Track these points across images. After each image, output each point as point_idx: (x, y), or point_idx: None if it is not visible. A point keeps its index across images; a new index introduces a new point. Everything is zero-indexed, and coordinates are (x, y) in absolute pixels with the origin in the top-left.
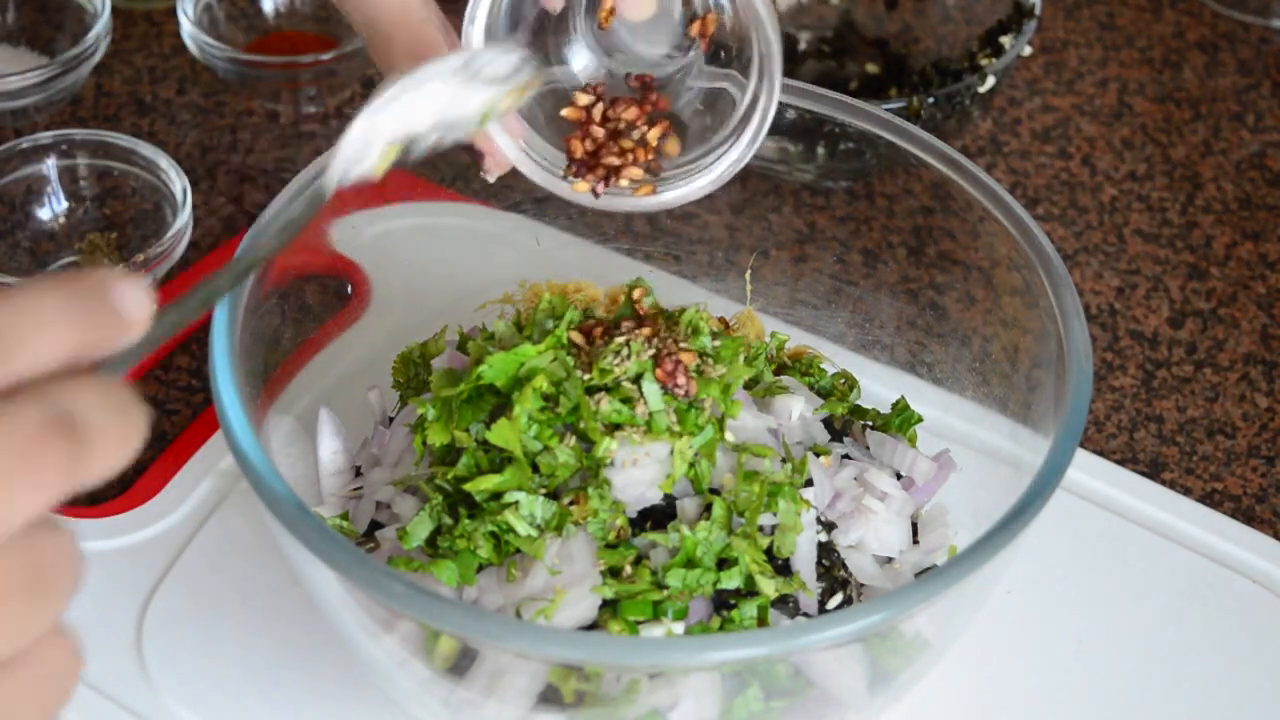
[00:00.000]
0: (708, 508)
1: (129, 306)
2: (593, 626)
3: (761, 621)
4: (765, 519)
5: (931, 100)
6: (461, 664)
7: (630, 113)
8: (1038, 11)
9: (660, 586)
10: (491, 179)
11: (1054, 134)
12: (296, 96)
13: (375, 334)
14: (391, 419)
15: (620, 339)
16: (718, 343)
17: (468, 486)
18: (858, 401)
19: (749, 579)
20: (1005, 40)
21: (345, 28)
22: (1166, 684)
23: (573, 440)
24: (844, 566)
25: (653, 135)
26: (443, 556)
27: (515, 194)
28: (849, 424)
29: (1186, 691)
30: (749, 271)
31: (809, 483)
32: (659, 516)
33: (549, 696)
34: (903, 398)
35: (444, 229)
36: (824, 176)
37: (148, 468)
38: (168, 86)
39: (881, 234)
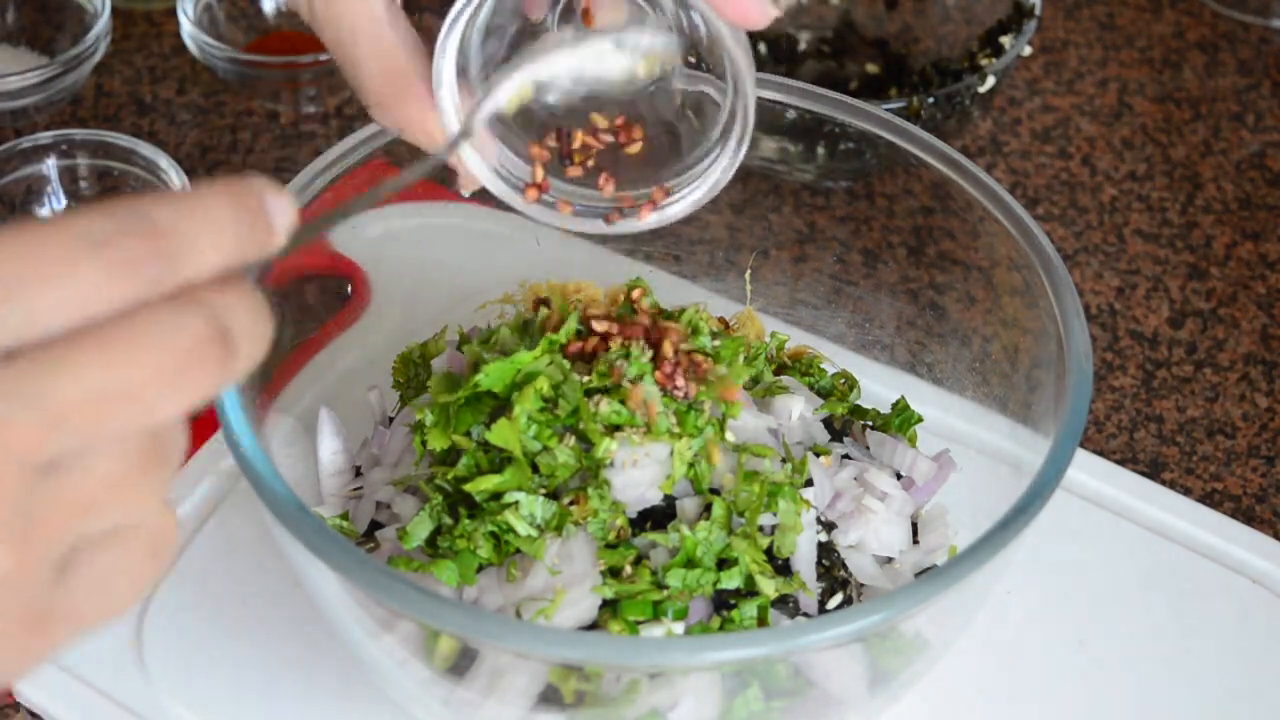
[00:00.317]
0: (707, 508)
1: (279, 217)
2: (593, 626)
3: (761, 621)
4: (765, 519)
5: (931, 100)
6: (461, 664)
7: (595, 139)
8: (1038, 11)
9: (660, 586)
10: (465, 194)
11: (1054, 134)
12: (296, 96)
13: (375, 334)
14: (391, 419)
15: (618, 347)
16: (717, 342)
17: (468, 487)
18: (858, 401)
19: (749, 579)
20: (1005, 40)
21: None
22: (1166, 684)
23: (572, 441)
24: (844, 566)
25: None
26: (443, 556)
27: None
28: (849, 424)
29: (1186, 691)
30: (749, 271)
31: (809, 483)
32: (659, 517)
33: (549, 696)
34: (903, 398)
35: (444, 229)
36: (824, 176)
37: None
38: (168, 86)
39: (881, 234)
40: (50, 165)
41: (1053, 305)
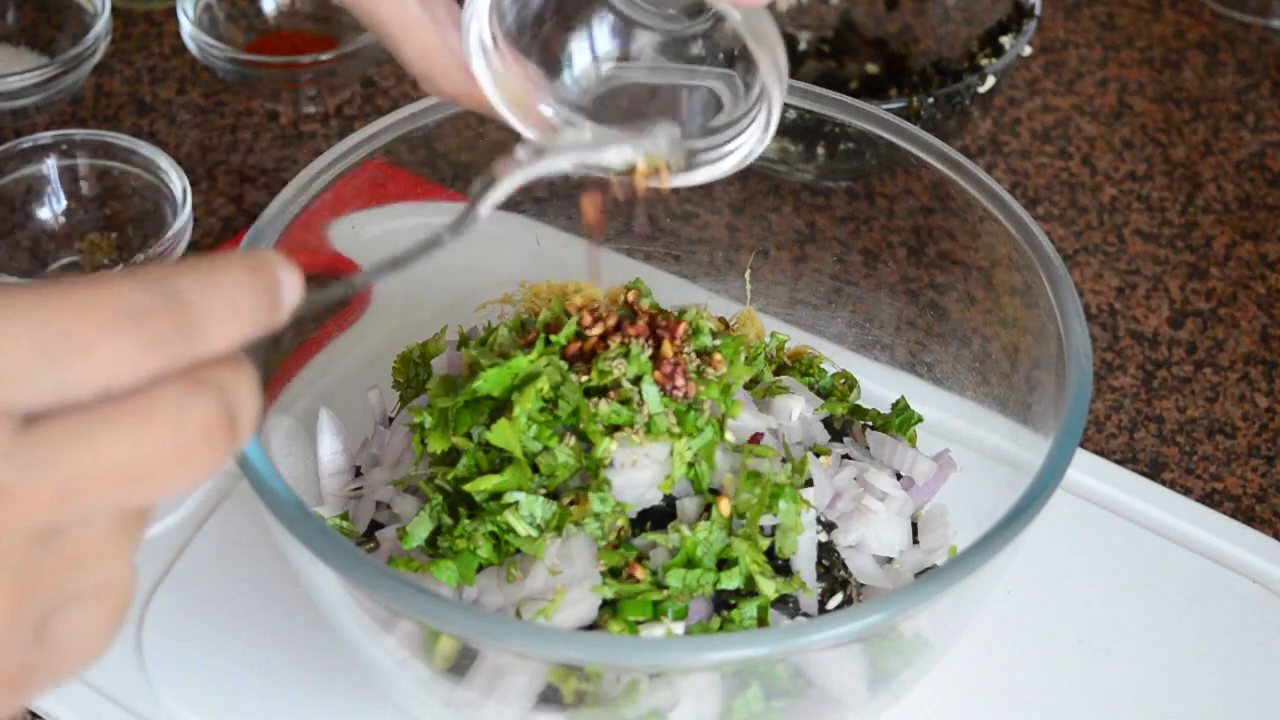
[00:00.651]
0: (707, 508)
1: (287, 293)
2: (593, 626)
3: (761, 621)
4: (765, 519)
5: (931, 100)
6: (461, 664)
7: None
8: (1038, 11)
9: (660, 586)
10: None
11: (1054, 134)
12: (296, 96)
13: (375, 334)
14: (391, 419)
15: (616, 347)
16: (718, 342)
17: (467, 487)
18: (858, 401)
19: (749, 579)
20: (1005, 40)
21: (345, 28)
22: (1166, 684)
23: (572, 441)
24: (844, 566)
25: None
26: (443, 556)
27: (515, 194)
28: (849, 424)
29: (1186, 691)
30: (749, 271)
31: (809, 483)
32: (659, 517)
33: (549, 696)
34: (903, 398)
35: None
36: (824, 176)
37: None
38: (168, 86)
39: (881, 234)
40: (50, 165)
41: (1053, 305)
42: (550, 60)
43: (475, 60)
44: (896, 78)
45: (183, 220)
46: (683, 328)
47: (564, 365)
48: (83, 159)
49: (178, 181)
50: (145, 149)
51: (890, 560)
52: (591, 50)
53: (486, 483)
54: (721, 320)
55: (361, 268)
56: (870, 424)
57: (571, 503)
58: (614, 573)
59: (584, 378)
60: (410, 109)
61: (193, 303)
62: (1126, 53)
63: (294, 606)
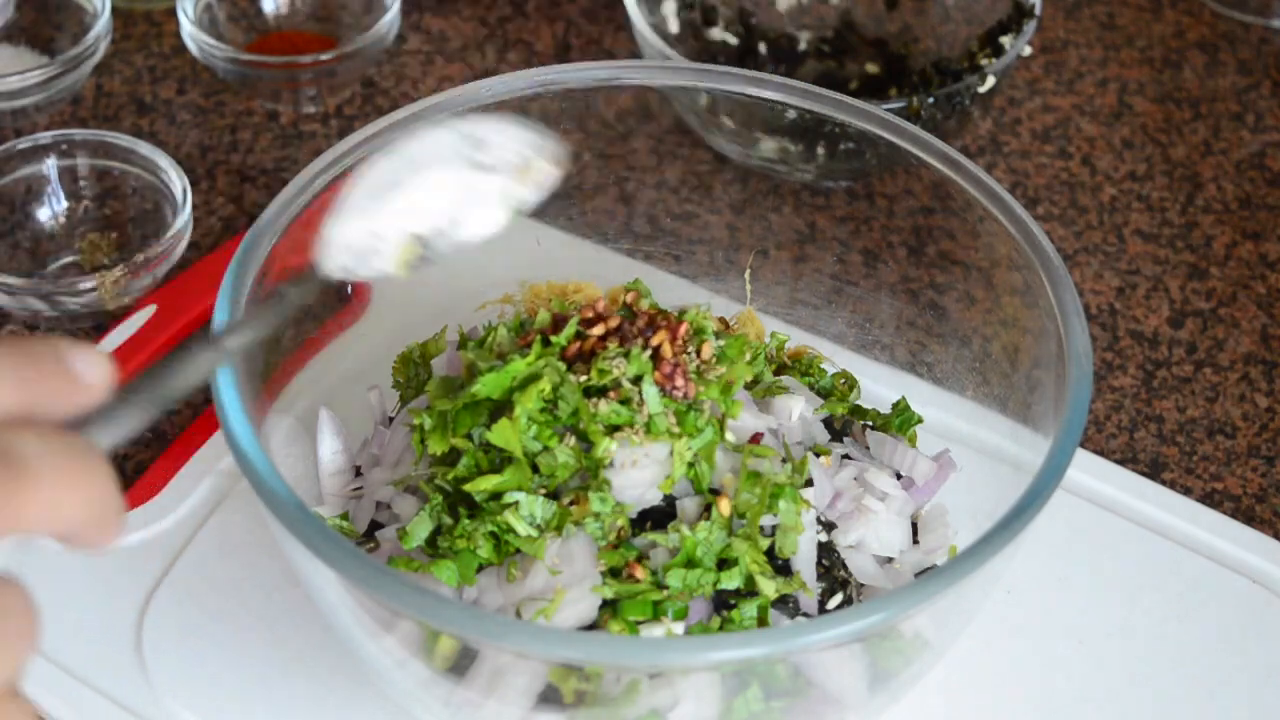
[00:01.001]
0: (707, 508)
1: (84, 370)
2: (593, 626)
3: (761, 621)
4: (765, 519)
5: (931, 100)
6: (461, 664)
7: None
8: (1038, 11)
9: (660, 586)
10: None
11: (1054, 134)
12: (296, 96)
13: (375, 334)
14: (391, 419)
15: (616, 346)
16: (721, 342)
17: (468, 487)
18: (858, 401)
19: (749, 579)
20: (1005, 40)
21: (345, 28)
22: (1166, 684)
23: (572, 441)
24: (844, 566)
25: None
26: (443, 556)
27: None
28: (849, 424)
29: (1186, 691)
30: (749, 271)
31: (809, 483)
32: (659, 517)
33: (549, 696)
34: (903, 398)
35: None
36: (824, 176)
37: (148, 468)
38: (168, 86)
39: (881, 234)
40: (50, 165)
41: (1053, 305)
42: None
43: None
44: (896, 78)
45: (183, 220)
46: (683, 328)
47: (562, 366)
48: (83, 159)
49: (178, 181)
50: (145, 149)
51: (890, 560)
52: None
53: (486, 483)
54: (721, 320)
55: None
56: (870, 424)
57: (571, 503)
58: (614, 573)
59: (583, 378)
60: (410, 109)
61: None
62: (1126, 53)
63: (294, 606)
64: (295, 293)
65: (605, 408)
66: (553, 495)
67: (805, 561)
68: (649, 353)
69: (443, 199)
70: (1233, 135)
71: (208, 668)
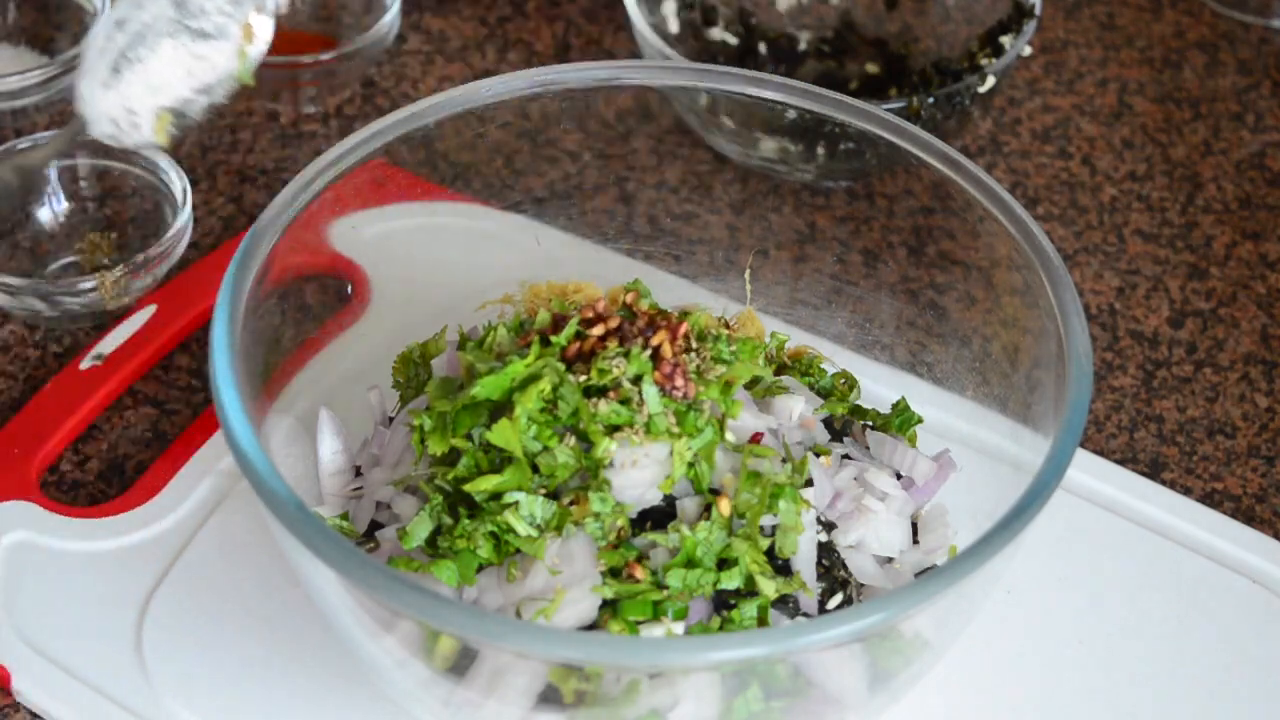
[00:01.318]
0: (707, 508)
1: None
2: (593, 626)
3: (761, 621)
4: (765, 519)
5: (931, 100)
6: (461, 664)
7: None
8: (1038, 11)
9: (660, 586)
10: None
11: (1054, 134)
12: (296, 96)
13: (375, 334)
14: (391, 419)
15: (615, 346)
16: (734, 348)
17: (468, 487)
18: (858, 401)
19: (749, 579)
20: (1005, 40)
21: (345, 28)
22: (1166, 684)
23: (572, 441)
24: (844, 566)
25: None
26: (443, 556)
27: (515, 194)
28: (849, 424)
29: (1186, 691)
30: (749, 271)
31: (809, 483)
32: (659, 517)
33: (549, 696)
34: (903, 398)
35: (444, 229)
36: (824, 176)
37: (148, 468)
38: None
39: (881, 234)
40: (50, 165)
41: (1053, 305)
42: None
43: None
44: (896, 78)
45: (183, 220)
46: (684, 327)
47: (561, 367)
48: (83, 159)
49: (178, 181)
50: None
51: (890, 560)
52: None
53: (486, 483)
54: (721, 320)
55: (365, 269)
56: (870, 424)
57: (571, 503)
58: (614, 573)
59: (583, 378)
60: (410, 109)
61: None
62: (1126, 53)
63: (294, 606)
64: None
65: (605, 408)
66: (553, 495)
67: (805, 561)
68: (649, 353)
69: (179, 70)
70: (1233, 135)
71: (208, 668)
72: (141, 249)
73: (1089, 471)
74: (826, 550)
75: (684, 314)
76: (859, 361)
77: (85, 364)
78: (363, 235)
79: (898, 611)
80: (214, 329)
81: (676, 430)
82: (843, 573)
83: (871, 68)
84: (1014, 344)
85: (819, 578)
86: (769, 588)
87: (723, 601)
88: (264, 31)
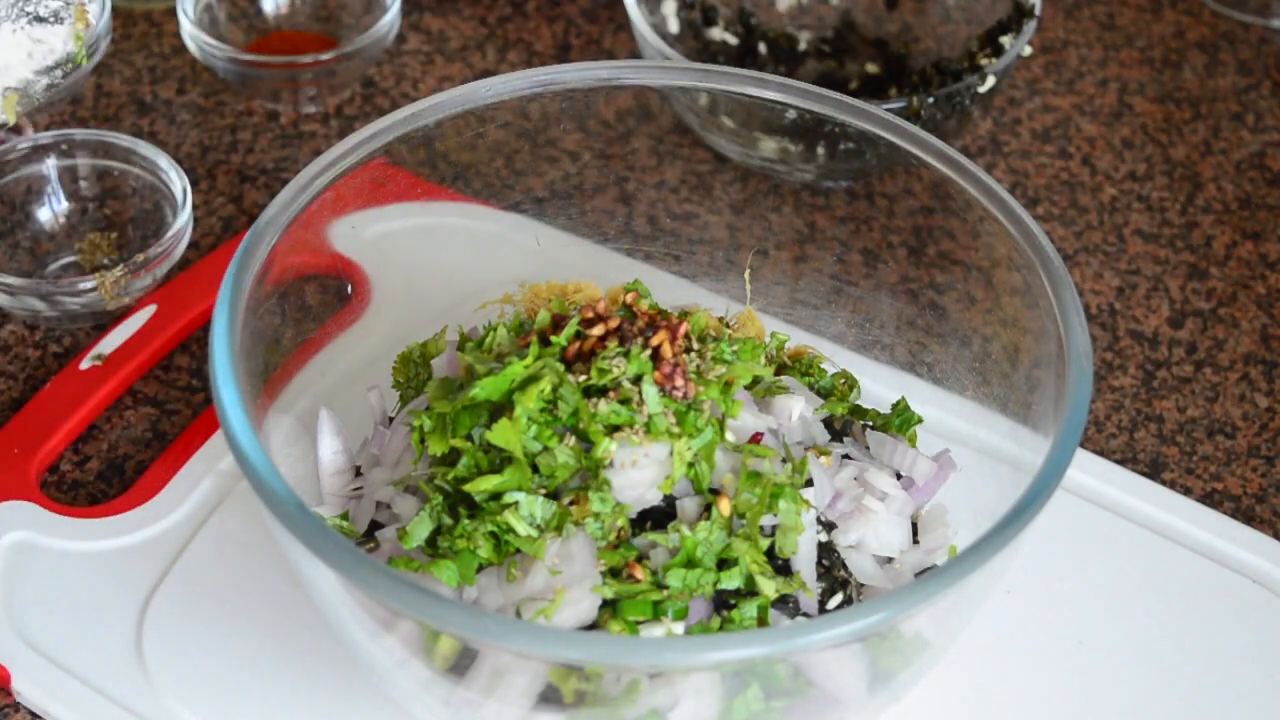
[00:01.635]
0: (707, 508)
1: None
2: (593, 626)
3: (761, 621)
4: (765, 519)
5: (931, 100)
6: (461, 664)
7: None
8: (1038, 11)
9: (660, 586)
10: None
11: (1054, 134)
12: (296, 96)
13: (375, 334)
14: (391, 419)
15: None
16: (736, 348)
17: (468, 487)
18: (858, 401)
19: (749, 579)
20: (1005, 40)
21: (345, 28)
22: (1166, 684)
23: (572, 441)
24: (844, 566)
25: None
26: (443, 556)
27: (515, 194)
28: (849, 424)
29: (1186, 691)
30: (749, 271)
31: (809, 483)
32: (659, 517)
33: (549, 696)
34: (903, 398)
35: (444, 229)
36: (824, 176)
37: (148, 468)
38: (168, 86)
39: (881, 234)
40: (50, 165)
41: (1053, 305)
42: None
43: None
44: (896, 78)
45: (183, 220)
46: (684, 327)
47: (560, 367)
48: (83, 159)
49: (178, 181)
50: (145, 149)
51: (890, 560)
52: None
53: (486, 483)
54: (721, 320)
55: (365, 269)
56: (870, 424)
57: (571, 503)
58: (614, 573)
59: (583, 378)
60: (410, 109)
61: None
62: (1126, 53)
63: (294, 606)
64: None
65: (605, 408)
66: (553, 495)
67: (805, 561)
68: (649, 353)
69: (19, 53)
70: (1233, 135)
71: (208, 668)
72: (141, 249)
73: (1089, 471)
74: (826, 550)
75: (684, 314)
76: (859, 361)
77: (85, 364)
78: (363, 235)
79: (898, 611)
80: (214, 329)
81: (676, 430)
82: (843, 573)
83: (871, 68)
84: (1014, 344)
85: (819, 578)
86: (769, 588)
87: (723, 601)
88: (97, 15)
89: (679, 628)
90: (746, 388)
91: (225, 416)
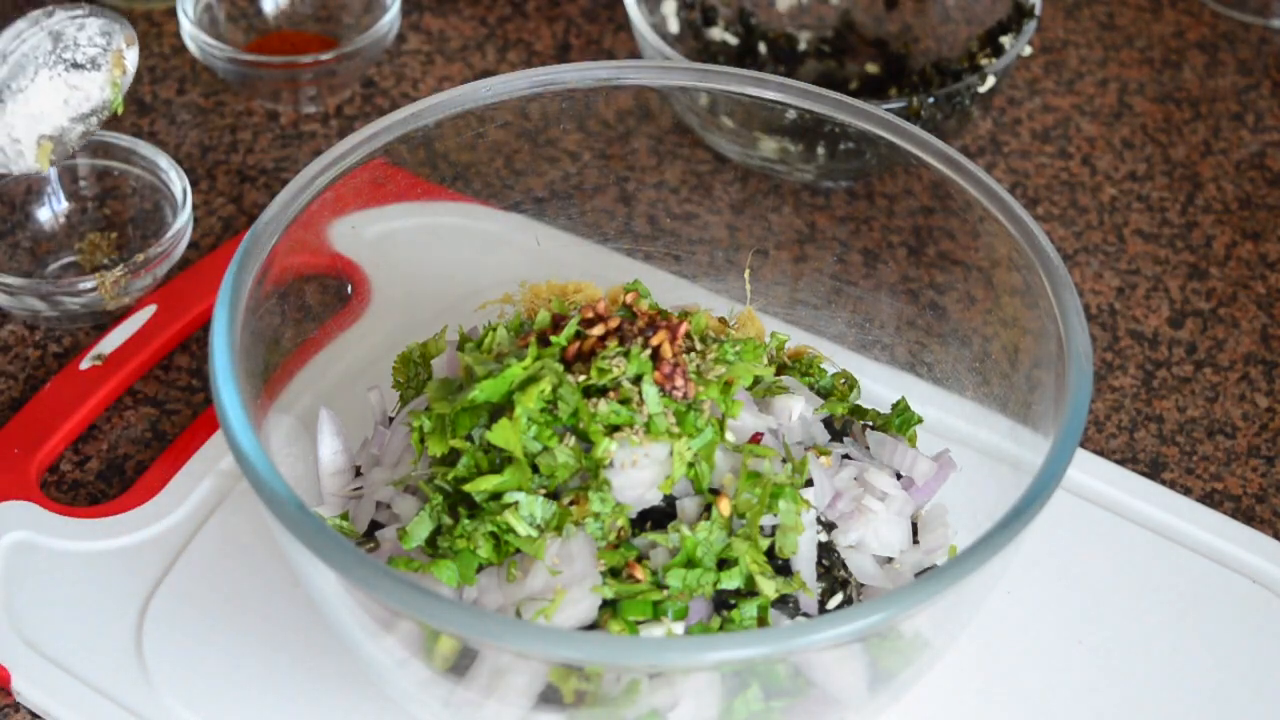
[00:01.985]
0: (707, 508)
1: None
2: (593, 626)
3: (761, 621)
4: (765, 519)
5: (931, 100)
6: (461, 664)
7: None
8: (1038, 11)
9: (660, 586)
10: None
11: (1054, 134)
12: (296, 96)
13: (375, 334)
14: (391, 419)
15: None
16: (738, 348)
17: (468, 487)
18: (858, 401)
19: (749, 579)
20: (1005, 40)
21: (345, 28)
22: (1166, 684)
23: (572, 441)
24: (844, 566)
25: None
26: (443, 556)
27: (515, 194)
28: (849, 424)
29: (1186, 691)
30: (749, 271)
31: (809, 483)
32: (659, 517)
33: (549, 696)
34: (903, 398)
35: (444, 229)
36: (824, 176)
37: (148, 468)
38: (168, 86)
39: (881, 234)
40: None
41: (1053, 305)
42: None
43: None
44: (896, 78)
45: (183, 220)
46: (684, 327)
47: (559, 368)
48: (83, 159)
49: (178, 181)
50: (145, 149)
51: (890, 560)
52: None
53: (486, 483)
54: (721, 320)
55: (365, 269)
56: (870, 424)
57: (571, 503)
58: (614, 573)
59: (583, 378)
60: (410, 109)
61: None
62: (1126, 53)
63: (294, 606)
64: None
65: (605, 408)
66: (553, 495)
67: (805, 561)
68: (649, 353)
69: (55, 99)
70: (1233, 135)
71: (208, 668)
72: (141, 249)
73: (1089, 471)
74: (826, 550)
75: (684, 314)
76: (859, 361)
77: (85, 364)
78: (363, 235)
79: (898, 611)
80: (214, 329)
81: (676, 430)
82: (843, 573)
83: (871, 68)
84: (1014, 344)
85: (819, 578)
86: (769, 588)
87: (723, 601)
88: (133, 63)
89: (679, 628)
90: (746, 388)
91: (225, 416)
